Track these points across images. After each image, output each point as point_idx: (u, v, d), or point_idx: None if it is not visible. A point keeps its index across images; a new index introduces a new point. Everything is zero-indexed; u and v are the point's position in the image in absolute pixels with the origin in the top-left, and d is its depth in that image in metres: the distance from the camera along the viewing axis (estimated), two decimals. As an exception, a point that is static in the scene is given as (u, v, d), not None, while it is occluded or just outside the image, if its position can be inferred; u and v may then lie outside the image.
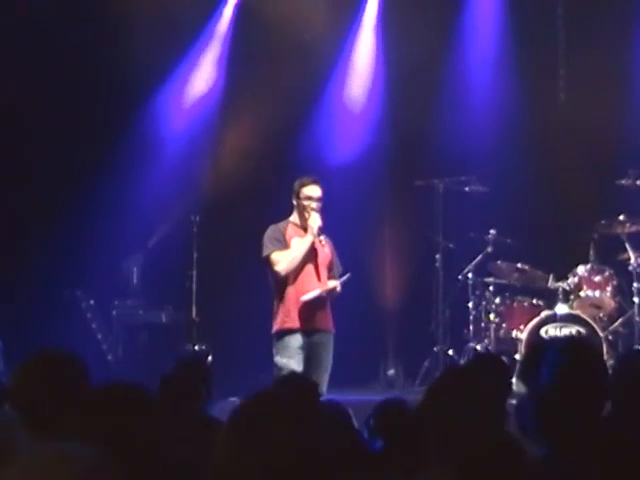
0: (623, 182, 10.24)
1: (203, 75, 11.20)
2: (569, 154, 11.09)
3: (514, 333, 10.16)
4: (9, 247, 10.11)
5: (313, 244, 8.09)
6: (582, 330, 9.81)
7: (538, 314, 10.04)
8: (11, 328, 9.44)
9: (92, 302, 10.60)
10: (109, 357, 10.52)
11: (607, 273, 10.20)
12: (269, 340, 9.52)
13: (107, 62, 10.44)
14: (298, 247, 8.03)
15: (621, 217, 10.22)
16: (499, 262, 10.44)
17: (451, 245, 10.66)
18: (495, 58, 11.23)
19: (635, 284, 10.15)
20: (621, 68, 10.98)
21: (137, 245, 10.75)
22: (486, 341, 10.23)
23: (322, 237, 8.19)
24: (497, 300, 10.35)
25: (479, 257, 10.51)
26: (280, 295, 8.05)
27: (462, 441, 3.05)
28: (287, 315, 7.97)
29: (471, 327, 10.39)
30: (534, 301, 10.27)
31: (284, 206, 10.88)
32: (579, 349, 3.77)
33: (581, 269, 10.21)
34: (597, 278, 10.20)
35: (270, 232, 8.17)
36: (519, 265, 10.36)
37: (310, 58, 11.08)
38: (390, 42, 11.31)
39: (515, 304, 10.29)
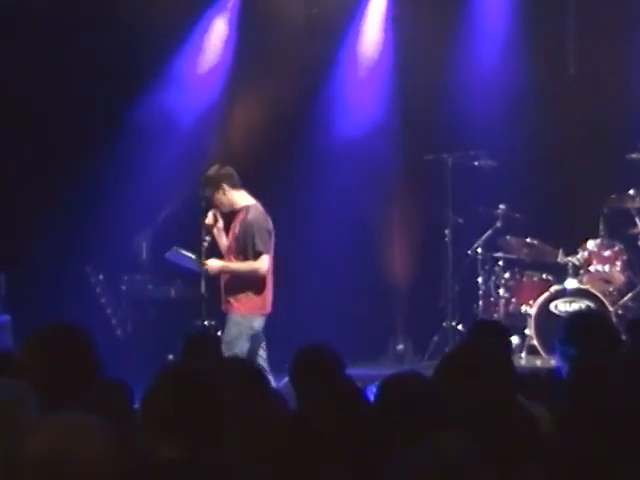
0: (633, 156, 10.21)
1: (212, 50, 11.15)
2: (579, 128, 11.06)
3: (523, 308, 10.15)
4: (19, 223, 10.11)
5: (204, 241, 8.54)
6: (592, 305, 9.80)
7: (547, 289, 10.03)
8: (20, 303, 9.47)
9: (101, 277, 10.61)
10: (118, 332, 10.54)
11: (617, 247, 10.18)
12: (280, 316, 9.57)
13: (114, 41, 10.40)
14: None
15: (631, 191, 10.20)
16: (508, 237, 10.42)
17: (460, 220, 10.64)
18: (504, 32, 11.15)
19: (645, 259, 10.14)
20: (632, 42, 10.91)
21: (146, 220, 10.74)
22: (495, 316, 10.22)
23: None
24: (506, 275, 10.34)
25: (488, 232, 10.49)
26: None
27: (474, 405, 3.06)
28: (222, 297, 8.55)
29: (480, 302, 10.39)
30: (543, 276, 10.26)
31: (293, 182, 10.89)
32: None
33: (591, 244, 10.19)
34: (607, 253, 10.17)
35: (266, 222, 8.52)
36: (528, 240, 10.34)
37: (319, 33, 11.03)
38: (399, 17, 11.24)
39: (524, 279, 10.29)
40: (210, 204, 8.52)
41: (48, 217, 10.01)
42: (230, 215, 8.63)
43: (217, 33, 11.18)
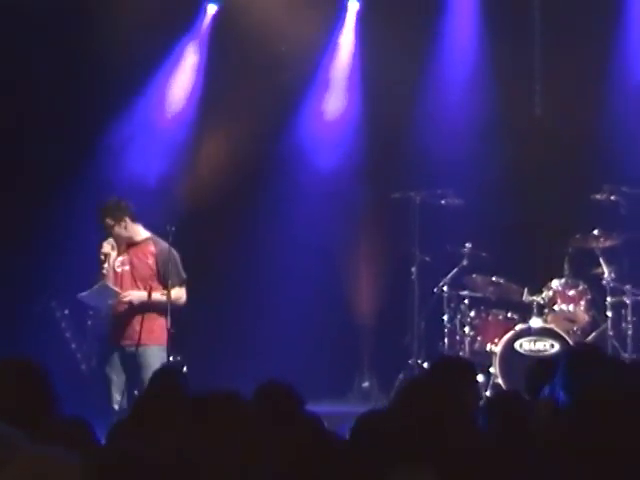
0: (598, 197, 10.30)
1: (180, 86, 11.20)
2: (545, 168, 11.15)
3: (489, 346, 10.19)
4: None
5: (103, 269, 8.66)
6: (556, 344, 9.86)
7: (512, 327, 10.09)
8: (-16, 337, 9.40)
9: (67, 312, 10.56)
10: (83, 366, 10.48)
11: (581, 287, 10.26)
12: (245, 350, 9.54)
13: (84, 64, 10.43)
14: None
15: (595, 232, 10.29)
16: (474, 275, 10.48)
17: (427, 258, 10.69)
18: (472, 72, 11.27)
19: (609, 298, 10.21)
20: (597, 84, 11.04)
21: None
22: (461, 354, 10.24)
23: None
24: (472, 313, 10.38)
25: (454, 270, 10.54)
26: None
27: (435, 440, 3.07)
28: (111, 331, 8.69)
29: (446, 340, 10.42)
30: (509, 314, 10.31)
31: (261, 217, 10.92)
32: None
33: (555, 283, 10.27)
34: (571, 292, 10.26)
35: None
36: (494, 278, 10.40)
37: (287, 69, 11.10)
38: (367, 55, 11.34)
39: (490, 317, 10.33)
40: (107, 233, 8.59)
41: (14, 252, 9.97)
42: (123, 247, 8.65)
43: (186, 69, 11.24)
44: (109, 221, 8.54)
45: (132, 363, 8.32)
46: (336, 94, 11.48)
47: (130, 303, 8.46)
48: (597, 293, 10.32)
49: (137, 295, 8.49)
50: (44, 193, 10.19)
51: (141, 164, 10.82)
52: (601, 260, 10.30)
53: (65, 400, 5.16)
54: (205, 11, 11.30)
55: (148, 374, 7.85)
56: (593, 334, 10.27)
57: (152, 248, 8.58)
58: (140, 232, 8.65)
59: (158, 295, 8.48)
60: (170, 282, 8.46)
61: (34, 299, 10.25)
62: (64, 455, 2.75)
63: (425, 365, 10.42)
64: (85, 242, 10.22)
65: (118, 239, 8.57)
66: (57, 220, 10.14)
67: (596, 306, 10.32)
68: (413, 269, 10.69)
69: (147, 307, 8.45)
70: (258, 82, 10.98)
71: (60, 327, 10.55)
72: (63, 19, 10.50)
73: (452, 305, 10.51)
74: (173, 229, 8.73)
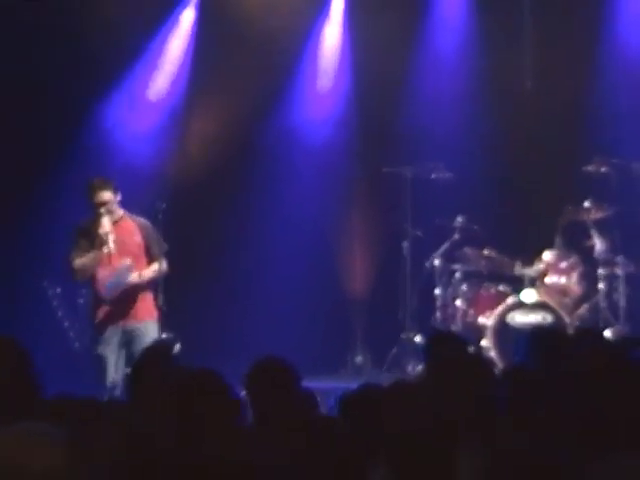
0: (589, 169, 10.31)
1: (170, 62, 11.16)
2: (536, 141, 11.14)
3: (481, 319, 10.21)
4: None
5: (102, 251, 8.33)
6: (548, 316, 9.88)
7: (504, 300, 10.10)
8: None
9: (58, 290, 10.54)
10: (76, 345, 10.48)
11: (573, 259, 10.28)
12: (237, 327, 9.52)
13: (71, 44, 10.37)
14: (89, 258, 8.36)
15: (587, 204, 10.30)
16: (466, 249, 10.49)
17: (418, 232, 10.69)
18: (462, 46, 11.25)
19: (600, 270, 10.23)
20: (587, 56, 11.03)
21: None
22: (453, 327, 10.27)
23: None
24: (464, 287, 10.39)
25: (446, 244, 10.55)
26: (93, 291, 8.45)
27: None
28: (101, 310, 8.41)
29: (438, 314, 10.44)
30: (501, 287, 10.33)
31: (251, 193, 10.91)
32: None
33: (547, 255, 10.28)
34: (563, 264, 10.27)
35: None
36: (486, 252, 10.41)
37: (277, 45, 11.05)
38: (357, 29, 11.30)
39: (482, 290, 10.35)
40: (106, 210, 8.34)
41: (4, 231, 9.95)
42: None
43: (176, 45, 11.19)
44: (110, 196, 8.34)
45: (133, 340, 8.26)
46: (326, 70, 11.45)
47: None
48: (589, 265, 10.34)
49: (148, 272, 8.41)
50: (33, 174, 10.17)
51: (131, 143, 10.79)
52: (592, 232, 10.31)
53: (58, 378, 5.17)
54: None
55: None
56: (585, 306, 10.30)
57: (134, 223, 8.46)
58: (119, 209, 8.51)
59: (154, 271, 8.45)
60: (157, 255, 8.42)
61: (26, 278, 10.23)
62: (49, 431, 2.75)
63: (417, 339, 10.45)
64: (78, 219, 10.21)
65: (112, 215, 8.39)
66: (47, 199, 10.11)
67: (588, 278, 10.34)
68: (405, 244, 10.70)
69: (142, 284, 8.40)
70: (248, 59, 10.93)
71: (52, 306, 10.54)
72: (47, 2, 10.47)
73: (444, 279, 10.52)
74: (164, 206, 8.70)
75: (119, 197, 8.39)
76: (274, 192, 10.95)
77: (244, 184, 10.92)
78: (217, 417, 3.41)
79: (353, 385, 4.48)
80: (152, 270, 8.43)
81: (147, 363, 5.28)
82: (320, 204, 11.05)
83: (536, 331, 6.40)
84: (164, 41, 11.15)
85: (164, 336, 8.60)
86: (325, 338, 10.79)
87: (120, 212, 8.42)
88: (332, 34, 11.47)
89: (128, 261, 8.33)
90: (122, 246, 8.35)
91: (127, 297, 8.35)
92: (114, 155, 10.61)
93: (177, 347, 8.38)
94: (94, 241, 8.32)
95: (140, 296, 8.37)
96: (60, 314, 10.53)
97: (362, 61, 11.23)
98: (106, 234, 8.27)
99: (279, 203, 10.92)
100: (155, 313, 8.47)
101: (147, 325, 8.35)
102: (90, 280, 8.49)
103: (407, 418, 3.22)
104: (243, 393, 4.66)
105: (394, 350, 10.58)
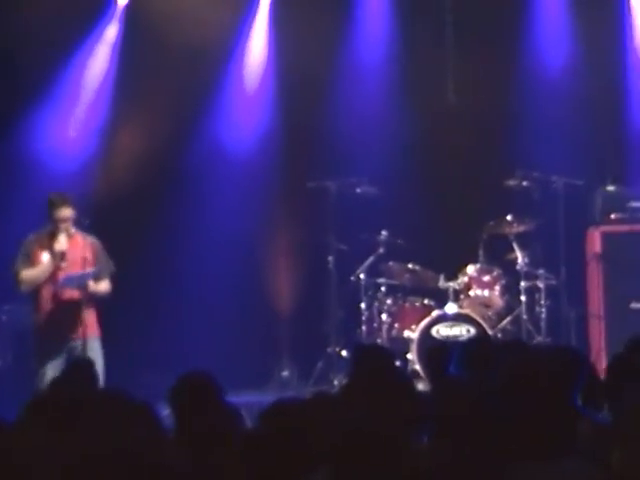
0: (510, 183, 10.46)
1: (91, 79, 11.08)
2: (458, 155, 11.25)
3: (406, 333, 10.28)
4: None
5: (57, 267, 8.28)
6: (472, 329, 9.99)
7: (429, 314, 10.18)
8: None
9: (-20, 308, 10.40)
10: (-1, 363, 10.34)
11: (495, 273, 10.41)
12: (163, 341, 9.41)
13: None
14: (40, 269, 8.30)
15: (509, 217, 10.44)
16: (390, 263, 10.56)
17: (343, 246, 10.74)
18: (386, 59, 11.33)
19: (522, 283, 10.38)
20: (508, 71, 11.18)
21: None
22: (379, 341, 10.32)
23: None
24: (389, 300, 10.46)
25: (371, 258, 10.61)
26: (38, 307, 8.40)
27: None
28: (49, 325, 8.31)
29: (364, 327, 10.49)
30: (425, 301, 10.42)
31: (175, 205, 10.86)
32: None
33: (470, 269, 10.40)
34: (486, 277, 10.40)
35: (21, 245, 8.44)
36: (410, 265, 10.49)
37: (201, 60, 11.02)
38: (280, 43, 11.34)
39: (407, 304, 10.42)
40: (65, 227, 8.32)
41: None
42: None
43: (99, 56, 11.12)
44: (71, 212, 8.29)
45: (79, 352, 8.16)
46: (250, 84, 11.46)
47: (79, 295, 8.30)
48: (511, 278, 10.48)
49: (101, 286, 8.38)
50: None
51: (54, 159, 10.68)
52: (515, 245, 10.46)
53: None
54: (116, 2, 11.20)
55: (101, 364, 7.89)
56: (508, 318, 10.43)
57: (85, 241, 8.41)
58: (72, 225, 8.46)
59: (102, 285, 8.41)
60: (104, 274, 8.39)
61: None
62: None
63: (343, 353, 10.48)
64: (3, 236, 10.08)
65: (68, 232, 8.32)
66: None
67: (510, 291, 10.47)
68: (330, 258, 10.74)
69: (88, 300, 8.34)
70: (173, 73, 10.90)
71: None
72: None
73: (369, 293, 10.58)
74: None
75: (75, 214, 8.34)
76: (200, 207, 10.92)
77: (169, 200, 10.87)
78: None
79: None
80: (102, 286, 8.37)
81: (68, 382, 5.25)
82: (245, 219, 11.04)
83: (470, 343, 6.49)
84: (88, 56, 11.06)
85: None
86: (251, 352, 10.77)
87: (72, 229, 8.37)
88: (256, 48, 11.49)
89: (94, 269, 8.30)
90: (71, 261, 8.29)
91: (73, 313, 8.28)
92: (37, 171, 10.49)
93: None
94: (43, 254, 8.27)
95: (85, 312, 8.31)
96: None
97: (286, 75, 11.26)
98: (62, 252, 8.24)
99: (204, 218, 10.89)
100: (98, 330, 8.41)
101: (92, 341, 8.29)
102: (35, 293, 8.40)
103: (331, 430, 3.24)
104: (166, 410, 4.64)
105: (320, 364, 10.60)
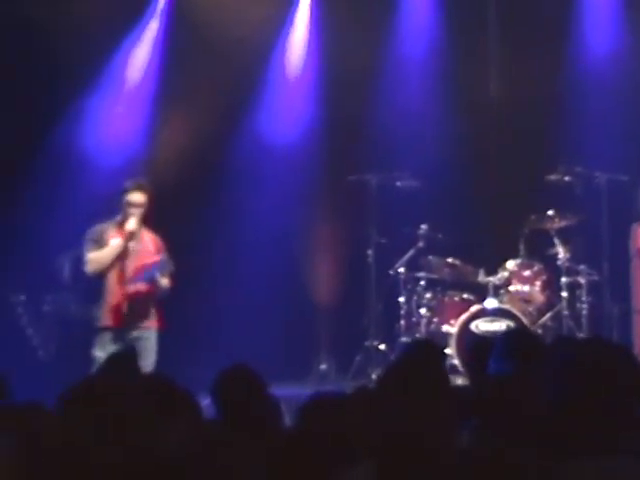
0: (552, 178, 10.38)
1: (137, 73, 11.13)
2: (500, 150, 11.21)
3: (445, 327, 10.25)
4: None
5: (126, 248, 8.34)
6: (511, 324, 9.94)
7: (468, 308, 10.15)
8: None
9: (23, 297, 10.49)
10: (40, 353, 10.43)
11: (536, 268, 10.35)
12: (203, 335, 9.42)
13: (36, 62, 10.33)
14: (109, 249, 8.33)
15: (550, 212, 10.37)
16: (430, 257, 10.53)
17: (383, 240, 10.73)
18: (429, 53, 11.29)
19: (563, 278, 10.31)
20: (553, 65, 11.10)
21: (69, 241, 10.65)
22: (417, 335, 10.30)
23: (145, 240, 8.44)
24: (428, 295, 10.43)
25: (410, 252, 10.59)
26: (105, 292, 8.39)
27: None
28: (114, 311, 8.30)
29: (402, 322, 10.47)
30: (464, 295, 10.38)
31: (219, 200, 10.90)
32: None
33: (511, 264, 10.34)
34: (526, 273, 10.34)
35: (88, 233, 8.47)
36: (450, 260, 10.46)
37: (244, 54, 11.04)
38: (324, 37, 11.33)
39: (446, 299, 10.39)
40: (137, 212, 8.40)
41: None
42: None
43: (142, 53, 11.17)
44: (144, 199, 8.38)
45: (138, 345, 8.19)
46: (293, 78, 11.47)
47: (154, 287, 8.37)
48: (552, 273, 10.41)
49: (167, 282, 8.45)
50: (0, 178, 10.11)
51: (99, 153, 10.75)
52: (556, 240, 10.39)
53: (21, 387, 5.14)
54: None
55: (154, 358, 7.98)
56: (548, 314, 10.37)
57: (151, 236, 8.52)
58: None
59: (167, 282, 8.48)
60: (167, 270, 8.47)
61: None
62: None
63: (382, 347, 10.47)
64: (41, 227, 10.17)
65: (136, 231, 8.40)
66: (12, 208, 10.06)
67: (551, 286, 10.41)
68: (369, 251, 10.73)
69: (152, 293, 8.42)
70: (216, 68, 10.91)
71: (16, 313, 10.48)
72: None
73: (408, 287, 10.56)
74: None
75: (147, 202, 8.39)
76: (242, 201, 10.95)
77: (212, 193, 10.91)
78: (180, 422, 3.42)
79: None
80: (165, 281, 8.46)
81: (111, 370, 5.28)
82: (286, 212, 11.06)
83: (512, 334, 6.43)
84: (132, 51, 11.11)
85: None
86: (290, 345, 10.79)
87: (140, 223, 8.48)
88: (299, 42, 11.50)
89: (163, 257, 8.36)
90: (141, 254, 8.38)
91: (141, 303, 8.34)
92: (83, 168, 10.57)
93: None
94: (111, 240, 8.35)
95: (151, 305, 8.38)
96: (24, 321, 10.48)
97: (329, 68, 11.26)
98: (132, 232, 8.31)
99: (247, 212, 10.92)
100: (159, 323, 8.48)
101: (151, 334, 8.36)
102: (101, 281, 8.42)
103: (371, 426, 3.24)
104: (207, 400, 4.66)
105: (358, 358, 10.60)
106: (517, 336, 5.58)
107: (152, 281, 8.39)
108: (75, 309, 10.53)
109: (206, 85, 10.87)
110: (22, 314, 10.49)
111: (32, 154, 10.22)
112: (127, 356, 5.97)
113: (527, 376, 3.97)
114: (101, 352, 8.12)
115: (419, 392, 3.70)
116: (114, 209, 8.70)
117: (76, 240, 10.46)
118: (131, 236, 8.34)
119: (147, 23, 11.19)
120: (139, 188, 8.41)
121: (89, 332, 10.17)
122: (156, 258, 8.42)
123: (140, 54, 11.15)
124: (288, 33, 11.46)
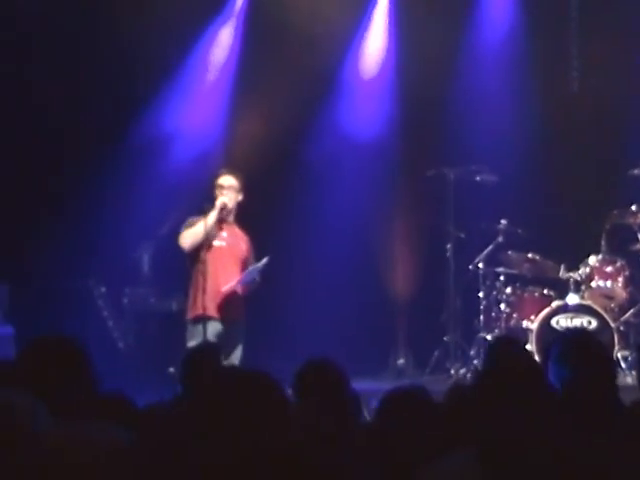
0: (635, 172, 10.22)
1: (215, 66, 11.20)
2: (581, 144, 11.07)
3: (525, 323, 10.14)
4: (23, 237, 10.12)
5: (221, 223, 8.38)
6: (593, 320, 9.80)
7: (549, 304, 10.02)
8: (23, 315, 9.48)
9: (103, 290, 10.62)
10: (120, 344, 10.55)
11: (619, 263, 10.17)
12: (281, 328, 9.43)
13: (116, 53, 10.44)
14: (201, 223, 8.31)
15: (633, 207, 10.20)
16: (510, 252, 10.43)
17: (462, 235, 10.66)
18: (508, 47, 11.20)
19: (646, 275, 10.14)
20: (634, 58, 10.94)
21: (148, 233, 10.76)
22: (496, 331, 10.22)
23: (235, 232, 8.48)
24: (508, 290, 10.34)
25: (490, 247, 10.50)
26: (196, 283, 8.33)
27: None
28: (206, 302, 8.22)
29: (482, 317, 10.39)
30: (545, 291, 10.26)
31: (294, 195, 10.92)
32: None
33: (593, 259, 10.19)
34: (609, 268, 10.17)
35: (187, 221, 8.48)
36: (530, 255, 10.35)
37: (322, 48, 11.04)
38: (401, 32, 11.29)
39: (526, 294, 10.28)
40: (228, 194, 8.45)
41: (52, 230, 10.04)
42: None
43: (221, 46, 11.24)
44: (233, 183, 8.44)
45: (225, 336, 8.24)
46: (370, 72, 11.44)
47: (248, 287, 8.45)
48: (635, 269, 10.24)
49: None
50: (81, 174, 10.24)
51: (177, 142, 10.84)
52: (639, 236, 10.21)
53: (102, 379, 5.20)
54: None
55: (241, 350, 8.09)
56: (631, 311, 10.20)
57: (241, 233, 8.58)
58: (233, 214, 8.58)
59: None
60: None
61: (71, 277, 10.31)
62: (113, 431, 2.75)
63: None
64: (122, 220, 10.29)
65: (229, 213, 8.43)
66: (94, 199, 10.18)
67: (634, 283, 10.23)
68: (448, 246, 10.67)
69: (246, 291, 8.52)
70: (294, 63, 10.94)
71: (97, 305, 10.61)
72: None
73: (488, 282, 10.47)
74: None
75: (240, 197, 8.39)
76: (318, 193, 10.95)
77: (288, 186, 10.93)
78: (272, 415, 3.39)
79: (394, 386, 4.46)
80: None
81: (198, 361, 5.31)
82: (364, 206, 11.04)
83: (569, 334, 6.31)
84: (211, 45, 11.18)
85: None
86: (367, 339, 10.78)
87: (231, 218, 8.51)
88: (376, 37, 11.47)
89: (266, 259, 8.42)
90: (232, 247, 8.42)
91: (233, 298, 8.39)
92: (160, 159, 10.66)
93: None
94: None
95: (240, 298, 8.46)
96: (105, 313, 10.61)
97: (406, 63, 11.21)
98: (224, 204, 8.32)
99: (323, 206, 10.92)
100: (244, 317, 8.53)
101: (240, 325, 8.41)
102: (192, 271, 8.42)
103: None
104: (289, 392, 4.65)
105: (436, 353, 10.55)
106: (578, 338, 5.47)
107: (250, 284, 8.42)
108: (154, 302, 10.64)
109: (285, 79, 10.88)
110: (102, 306, 10.62)
111: (112, 148, 10.33)
112: (211, 349, 6.00)
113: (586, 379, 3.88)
114: (195, 343, 8.10)
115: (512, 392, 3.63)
116: (193, 202, 8.76)
117: (154, 232, 10.59)
118: (223, 206, 8.33)
119: (227, 16, 11.24)
120: (228, 172, 8.48)
121: (167, 325, 10.30)
122: (257, 265, 8.41)
123: (219, 47, 11.20)
124: (366, 26, 11.43)
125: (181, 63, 10.93)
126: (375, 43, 11.47)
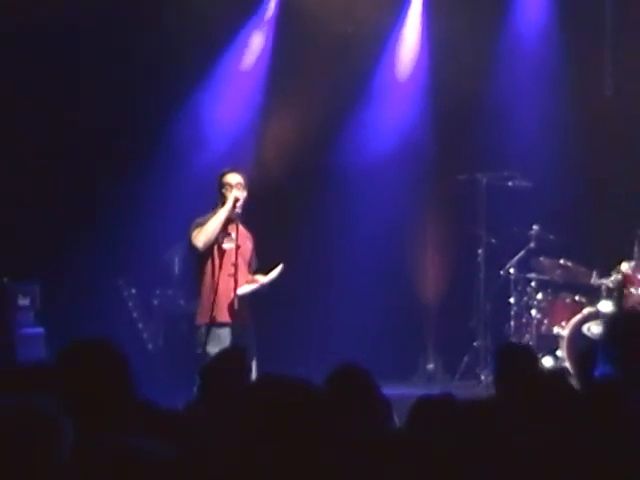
0: (669, 178, 10.15)
1: (245, 70, 11.20)
2: (614, 150, 11.00)
3: (556, 329, 10.09)
4: (55, 238, 10.15)
5: (227, 224, 8.21)
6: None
7: (580, 311, 9.97)
8: (54, 315, 9.50)
9: (133, 291, 10.65)
10: (149, 346, 10.57)
11: (652, 270, 10.09)
12: (310, 333, 9.39)
13: (147, 59, 10.47)
14: (213, 218, 8.19)
15: (667, 214, 10.12)
16: (542, 258, 10.38)
17: (493, 240, 10.62)
18: (542, 50, 11.14)
19: (680, 282, 10.04)
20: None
21: (179, 235, 10.77)
22: (527, 337, 10.17)
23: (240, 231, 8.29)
24: (539, 296, 10.28)
25: (521, 252, 10.45)
26: (208, 287, 8.23)
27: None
28: (219, 307, 8.13)
29: (512, 323, 10.34)
30: (577, 297, 10.20)
31: (325, 199, 10.90)
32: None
33: (625, 266, 10.11)
34: (641, 275, 10.09)
35: (196, 221, 8.36)
36: (562, 261, 10.29)
37: (354, 51, 11.04)
38: (435, 33, 11.26)
39: (557, 300, 10.22)
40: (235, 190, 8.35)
41: (83, 232, 10.07)
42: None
43: (253, 49, 11.24)
44: (240, 180, 8.30)
45: (243, 339, 8.16)
46: (403, 74, 11.41)
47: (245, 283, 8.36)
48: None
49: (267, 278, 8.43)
50: (113, 176, 10.26)
51: (210, 148, 10.84)
52: (673, 243, 10.13)
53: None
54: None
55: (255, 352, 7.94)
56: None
57: (248, 232, 8.46)
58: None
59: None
60: (253, 268, 8.44)
61: (102, 279, 10.33)
62: (160, 448, 2.70)
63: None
64: (153, 221, 10.30)
65: (236, 213, 8.33)
66: (125, 199, 10.20)
67: (667, 290, 10.15)
68: (479, 251, 10.62)
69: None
70: (326, 63, 10.94)
71: (127, 306, 10.63)
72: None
73: (519, 288, 10.42)
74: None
75: (246, 194, 8.37)
76: (351, 198, 10.93)
77: (319, 189, 10.91)
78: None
79: (424, 392, 4.44)
80: (264, 279, 8.37)
81: (221, 368, 5.29)
82: (396, 212, 11.01)
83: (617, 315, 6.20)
84: (242, 45, 11.19)
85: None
86: (397, 345, 10.74)
87: (237, 216, 8.41)
88: (410, 37, 11.43)
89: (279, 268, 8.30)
90: (242, 250, 8.29)
91: (245, 301, 8.27)
92: (191, 160, 10.67)
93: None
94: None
95: (248, 301, 8.35)
96: (135, 315, 10.63)
97: (439, 66, 11.17)
98: (236, 198, 8.19)
99: (354, 210, 10.90)
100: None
101: (251, 328, 8.36)
102: (201, 274, 8.33)
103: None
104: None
105: (466, 358, 10.50)
106: (625, 319, 5.38)
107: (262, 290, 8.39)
108: (184, 304, 10.64)
109: (315, 81, 10.88)
110: (133, 308, 10.65)
111: (146, 150, 10.36)
112: (239, 351, 5.97)
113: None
114: (212, 348, 8.04)
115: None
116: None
117: (185, 234, 10.58)
118: (235, 200, 8.24)
119: (259, 20, 11.24)
120: (233, 170, 8.38)
121: (195, 327, 10.28)
122: (271, 277, 8.32)
123: (250, 52, 11.20)
124: (399, 28, 11.40)
125: (213, 67, 10.94)
126: (408, 46, 11.44)
